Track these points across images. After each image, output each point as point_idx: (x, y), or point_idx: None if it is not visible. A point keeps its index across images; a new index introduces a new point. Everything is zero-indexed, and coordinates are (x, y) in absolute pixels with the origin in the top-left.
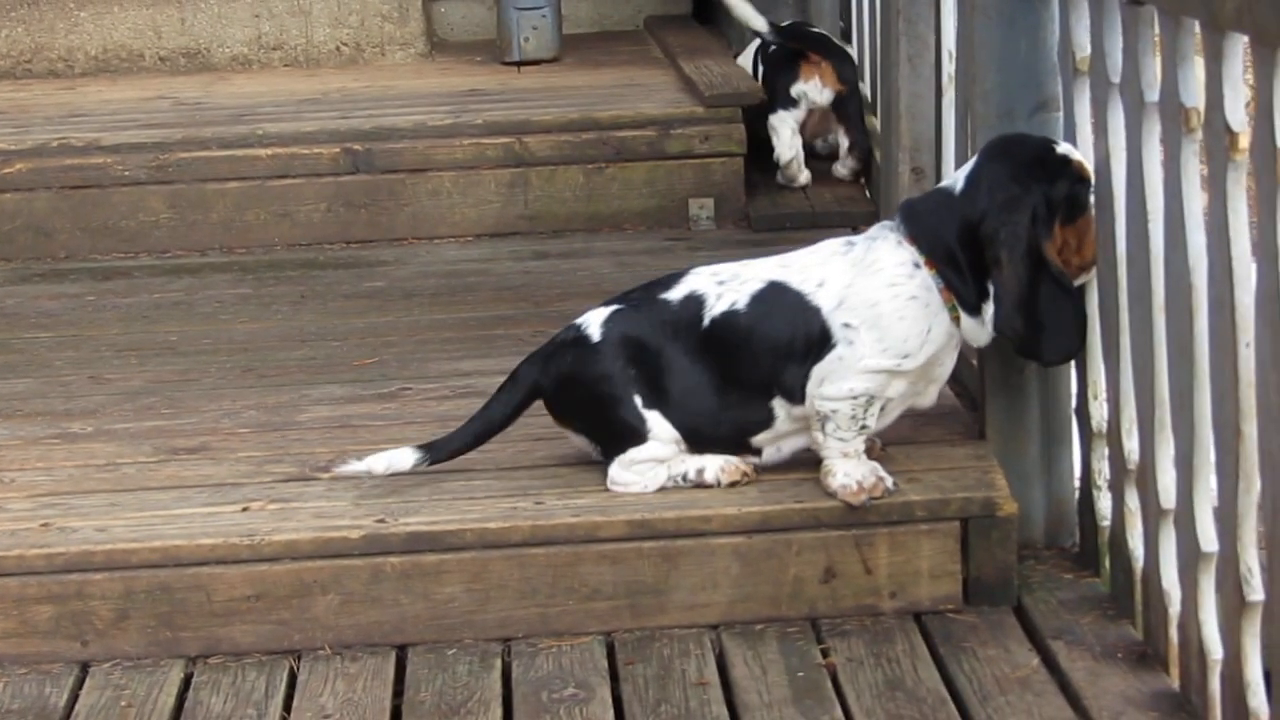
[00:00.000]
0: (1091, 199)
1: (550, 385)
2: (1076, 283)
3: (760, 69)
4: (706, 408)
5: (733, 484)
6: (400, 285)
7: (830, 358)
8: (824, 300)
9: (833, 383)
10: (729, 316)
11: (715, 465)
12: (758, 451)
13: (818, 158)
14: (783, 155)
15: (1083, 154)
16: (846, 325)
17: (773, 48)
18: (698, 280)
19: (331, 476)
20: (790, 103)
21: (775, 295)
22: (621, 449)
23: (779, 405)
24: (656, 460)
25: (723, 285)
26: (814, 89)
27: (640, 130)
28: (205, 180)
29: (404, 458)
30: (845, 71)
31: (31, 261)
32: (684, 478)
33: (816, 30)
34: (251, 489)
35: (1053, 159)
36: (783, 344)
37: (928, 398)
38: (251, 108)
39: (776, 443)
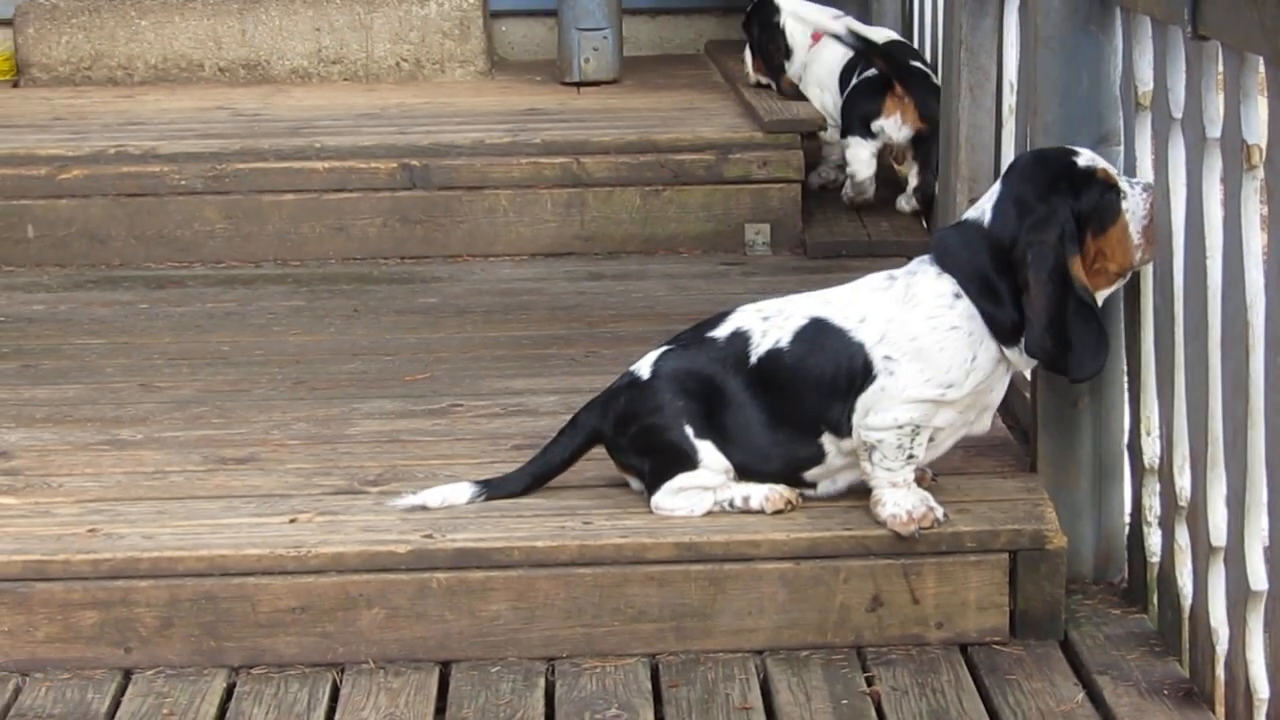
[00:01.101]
0: (1123, 204)
1: (608, 427)
2: (1110, 289)
3: (846, 85)
4: (756, 444)
5: (777, 512)
6: (454, 302)
7: (873, 389)
8: (866, 336)
9: (877, 413)
10: (774, 354)
11: (761, 493)
12: (812, 485)
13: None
14: (859, 173)
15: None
16: (888, 358)
17: (867, 71)
18: (743, 318)
19: (387, 504)
20: (869, 134)
21: (818, 332)
22: (670, 475)
23: (828, 441)
24: (704, 487)
25: (767, 322)
26: (893, 125)
27: (698, 154)
28: (261, 192)
29: (460, 493)
30: (928, 108)
31: (86, 268)
32: (730, 504)
33: (915, 57)
34: (299, 501)
35: (1077, 173)
36: (826, 380)
37: (981, 425)
38: (309, 121)
39: (831, 477)
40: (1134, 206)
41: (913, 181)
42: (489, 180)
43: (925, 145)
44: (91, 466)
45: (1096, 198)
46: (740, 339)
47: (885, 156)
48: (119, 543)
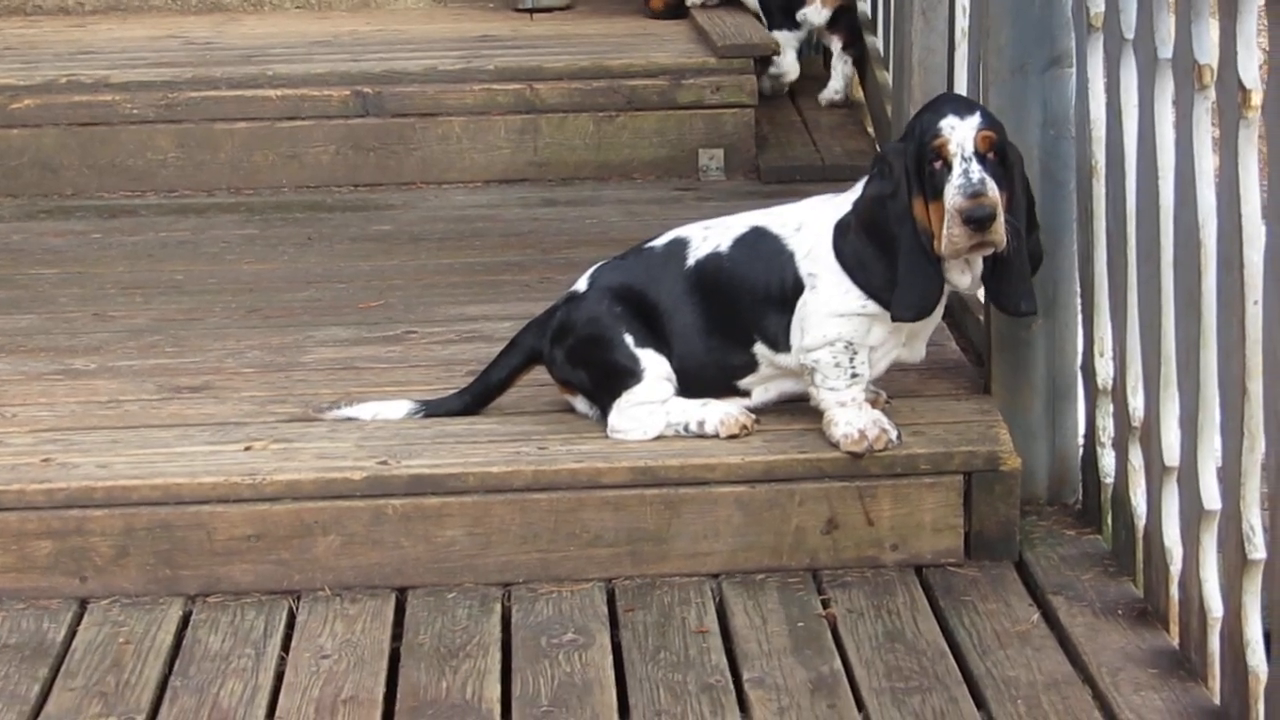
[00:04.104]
0: (946, 185)
1: (546, 344)
2: (957, 257)
3: None
4: (692, 350)
5: (732, 436)
6: (407, 229)
7: (800, 304)
8: (797, 246)
9: (808, 332)
10: (711, 258)
11: (716, 417)
12: (746, 394)
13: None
14: (788, 74)
15: (1096, 111)
16: (811, 274)
17: None
18: (684, 230)
19: (323, 419)
20: (794, 25)
21: (756, 239)
22: (617, 392)
23: (761, 350)
24: (654, 402)
25: (708, 230)
26: (814, 11)
27: (652, 79)
28: (214, 120)
29: (396, 409)
30: None
31: (38, 198)
32: (685, 428)
33: None
34: (254, 429)
35: (929, 130)
36: (760, 287)
37: (914, 351)
38: (262, 49)
39: (763, 385)
40: (950, 195)
41: (841, 68)
42: (442, 107)
43: (849, 17)
44: (45, 396)
45: (929, 162)
46: (679, 245)
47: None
48: (73, 472)
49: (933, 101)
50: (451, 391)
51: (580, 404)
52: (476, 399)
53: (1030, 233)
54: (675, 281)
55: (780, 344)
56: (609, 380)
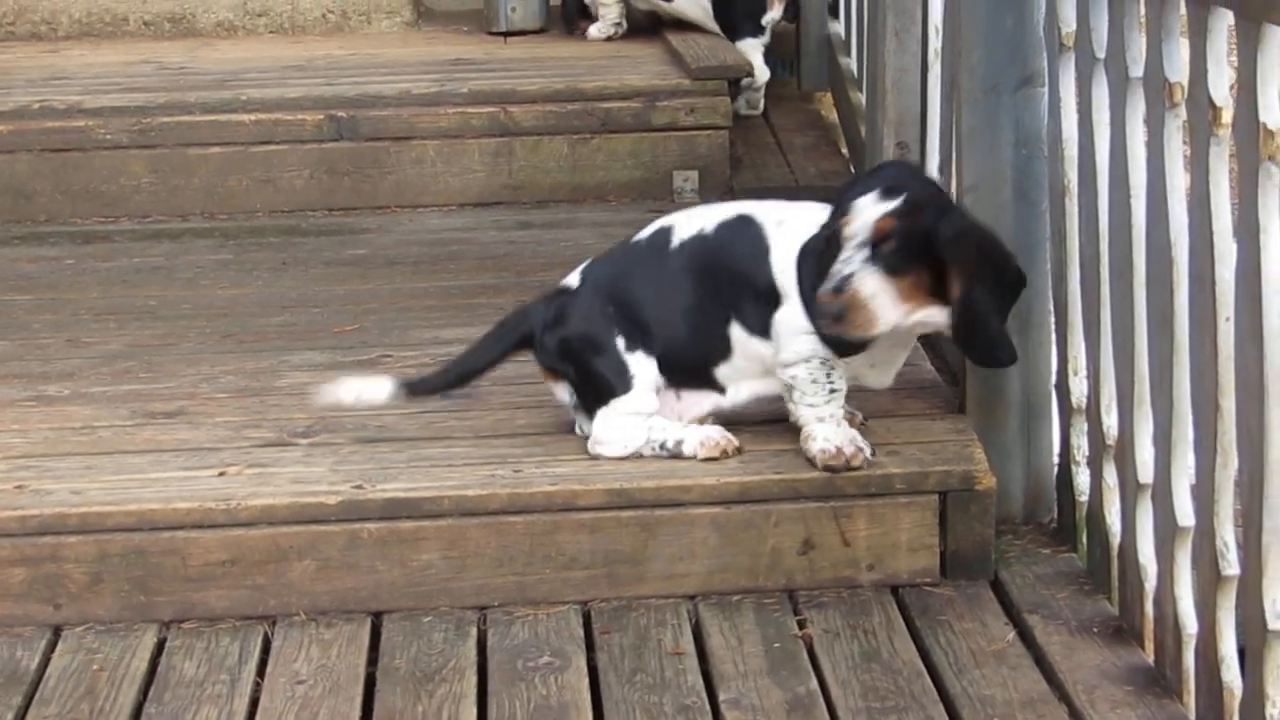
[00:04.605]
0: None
1: (539, 329)
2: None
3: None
4: (677, 331)
5: (709, 459)
6: (382, 253)
7: (775, 316)
8: (775, 243)
9: (783, 348)
10: (695, 239)
11: (696, 438)
12: (723, 390)
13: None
14: (760, 76)
15: (1069, 130)
16: (783, 286)
17: None
18: (668, 217)
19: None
20: (760, 31)
21: (739, 223)
22: (605, 399)
23: (736, 333)
24: (640, 414)
25: (691, 216)
26: (776, 14)
27: (626, 102)
28: (188, 145)
29: (379, 388)
30: None
31: (11, 224)
32: (662, 446)
33: None
34: (229, 454)
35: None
36: (736, 267)
37: (880, 378)
38: (236, 73)
39: (736, 380)
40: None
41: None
42: (416, 131)
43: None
44: (18, 423)
45: (833, 233)
46: (663, 233)
47: None
48: (47, 498)
49: (882, 165)
50: (439, 418)
51: (562, 393)
52: (461, 378)
53: (977, 298)
54: (661, 265)
55: (754, 328)
56: (598, 384)
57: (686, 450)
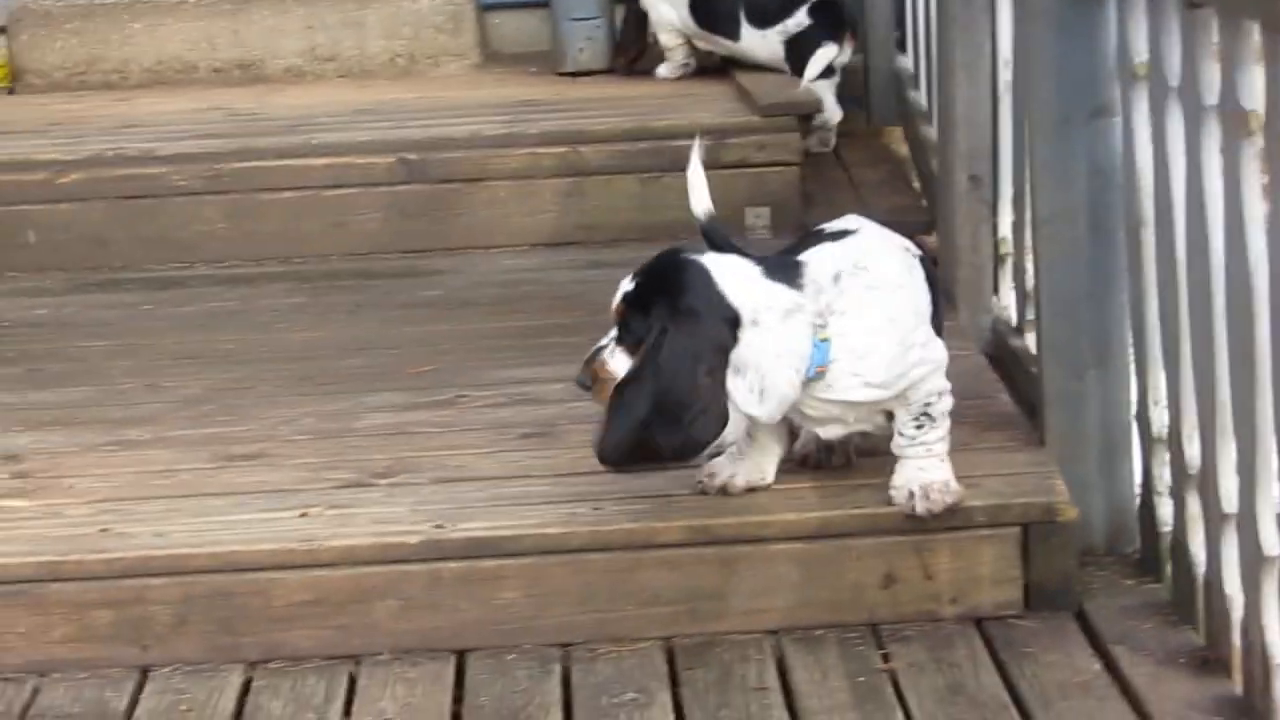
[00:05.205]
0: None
1: None
2: None
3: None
4: None
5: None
6: (456, 294)
7: None
8: None
9: None
10: None
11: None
12: None
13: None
14: (833, 117)
15: (1143, 160)
16: None
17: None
18: None
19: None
20: (831, 72)
21: None
22: None
23: None
24: None
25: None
26: (846, 55)
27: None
28: (260, 190)
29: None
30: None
31: (87, 271)
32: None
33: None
34: (309, 495)
35: None
36: None
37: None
38: (306, 118)
39: None
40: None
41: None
42: (487, 172)
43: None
44: (101, 467)
45: None
46: None
47: None
48: (131, 541)
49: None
50: (517, 457)
51: None
52: None
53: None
54: None
55: None
56: None
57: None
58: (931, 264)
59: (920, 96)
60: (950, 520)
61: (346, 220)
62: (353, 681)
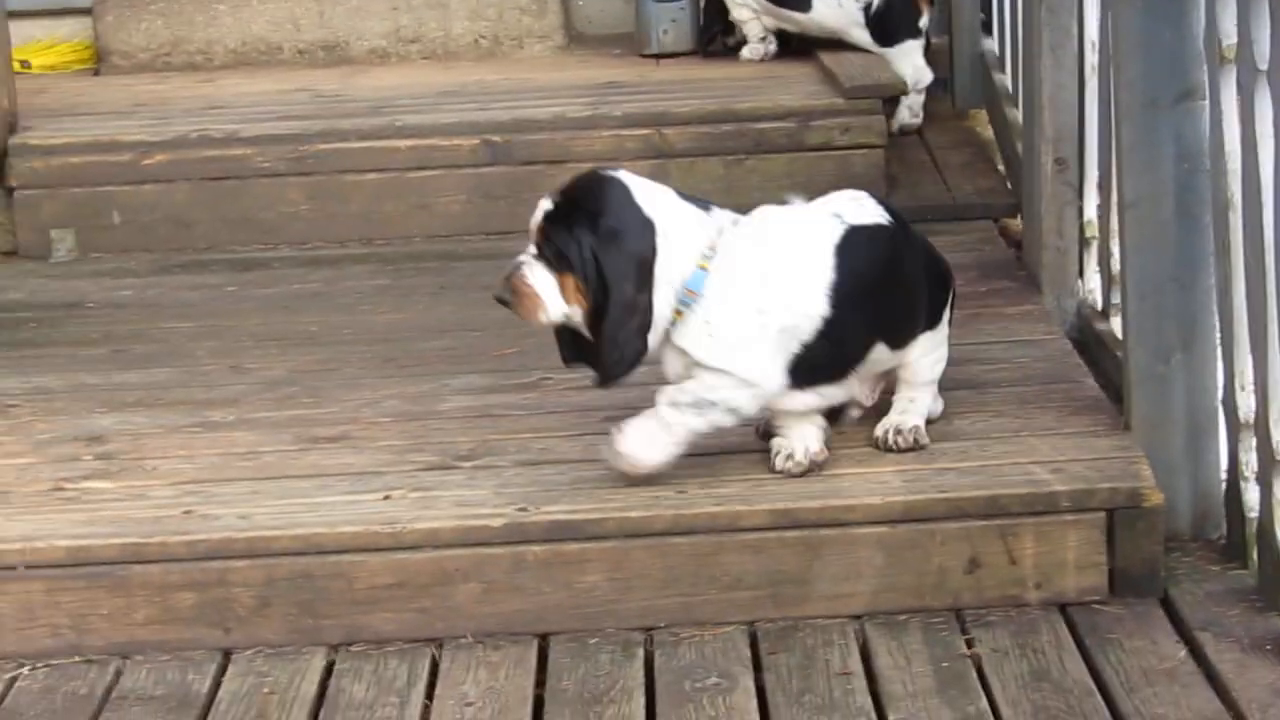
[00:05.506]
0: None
1: None
2: None
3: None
4: None
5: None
6: None
7: None
8: None
9: None
10: None
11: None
12: None
13: None
14: (923, 79)
15: (1231, 143)
16: None
17: None
18: None
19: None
20: (918, 33)
21: None
22: None
23: None
24: None
25: None
26: (928, 17)
27: (779, 122)
28: (344, 172)
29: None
30: None
31: (172, 253)
32: None
33: None
34: (393, 477)
35: None
36: None
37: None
38: (389, 100)
39: None
40: None
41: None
42: (571, 154)
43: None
44: (184, 449)
45: None
46: None
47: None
48: (214, 524)
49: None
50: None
51: None
52: None
53: (606, 314)
54: None
55: None
56: None
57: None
58: (930, 258)
59: (1006, 79)
60: (1034, 505)
61: (430, 202)
62: (435, 665)
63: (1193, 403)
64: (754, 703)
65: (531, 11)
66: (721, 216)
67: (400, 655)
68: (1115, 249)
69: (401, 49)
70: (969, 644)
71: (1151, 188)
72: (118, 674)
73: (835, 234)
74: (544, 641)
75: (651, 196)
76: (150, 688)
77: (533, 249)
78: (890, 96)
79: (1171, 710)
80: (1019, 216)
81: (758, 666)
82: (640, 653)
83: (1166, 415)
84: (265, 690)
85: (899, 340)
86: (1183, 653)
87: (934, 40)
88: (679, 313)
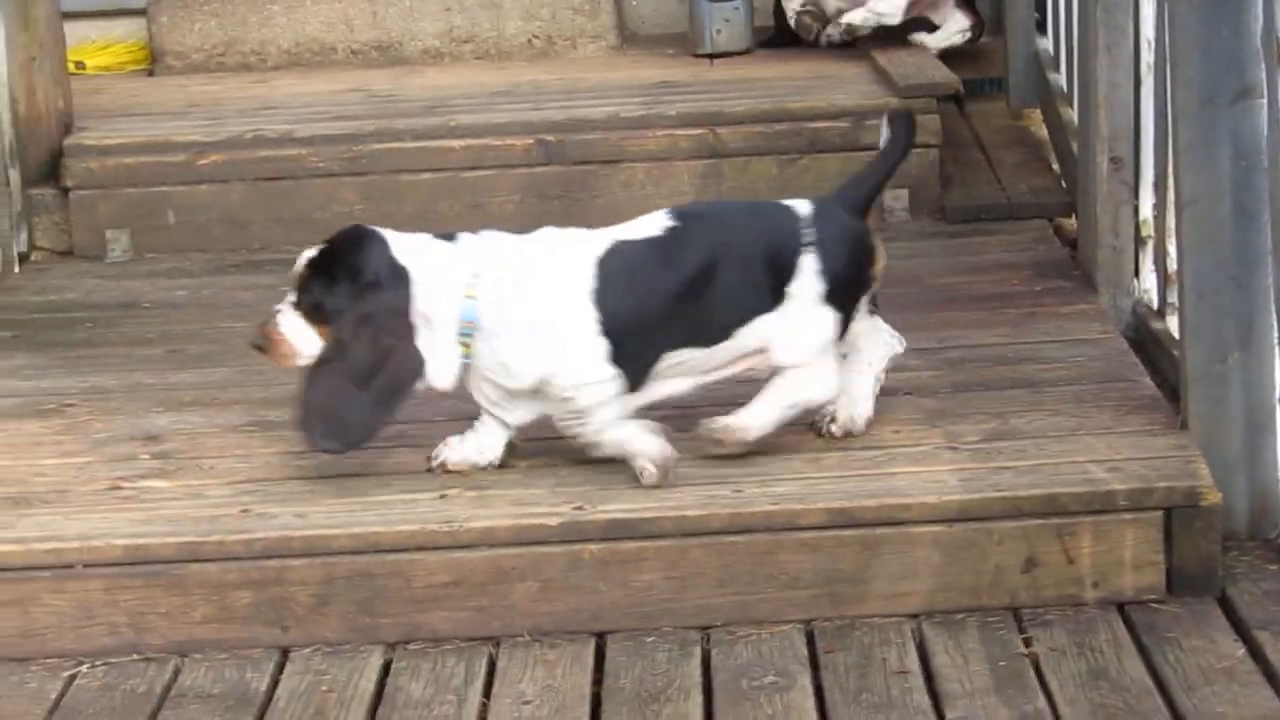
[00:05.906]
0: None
1: None
2: None
3: None
4: None
5: None
6: None
7: None
8: None
9: None
10: None
11: None
12: None
13: None
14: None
15: None
16: None
17: None
18: None
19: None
20: None
21: None
22: None
23: None
24: None
25: None
26: None
27: (834, 121)
28: (398, 171)
29: None
30: None
31: (226, 253)
32: None
33: None
34: (449, 476)
35: None
36: None
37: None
38: (443, 100)
39: None
40: None
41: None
42: (625, 154)
43: None
44: (241, 448)
45: None
46: None
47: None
48: (271, 522)
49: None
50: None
51: None
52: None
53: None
54: None
55: None
56: None
57: None
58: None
59: (1060, 78)
60: (1092, 504)
61: (484, 202)
62: (492, 663)
63: (1250, 401)
64: (811, 701)
65: (585, 11)
66: (473, 243)
67: (457, 653)
68: (1171, 248)
69: (455, 49)
70: (1026, 643)
71: (1209, 186)
72: (176, 672)
73: (597, 245)
74: (601, 640)
75: (407, 247)
76: (208, 686)
77: (293, 297)
78: (944, 96)
79: (1230, 709)
80: (1074, 216)
81: (815, 665)
82: (697, 651)
83: (1223, 414)
84: (323, 688)
85: (714, 334)
86: (1241, 651)
87: (987, 39)
88: (466, 345)
